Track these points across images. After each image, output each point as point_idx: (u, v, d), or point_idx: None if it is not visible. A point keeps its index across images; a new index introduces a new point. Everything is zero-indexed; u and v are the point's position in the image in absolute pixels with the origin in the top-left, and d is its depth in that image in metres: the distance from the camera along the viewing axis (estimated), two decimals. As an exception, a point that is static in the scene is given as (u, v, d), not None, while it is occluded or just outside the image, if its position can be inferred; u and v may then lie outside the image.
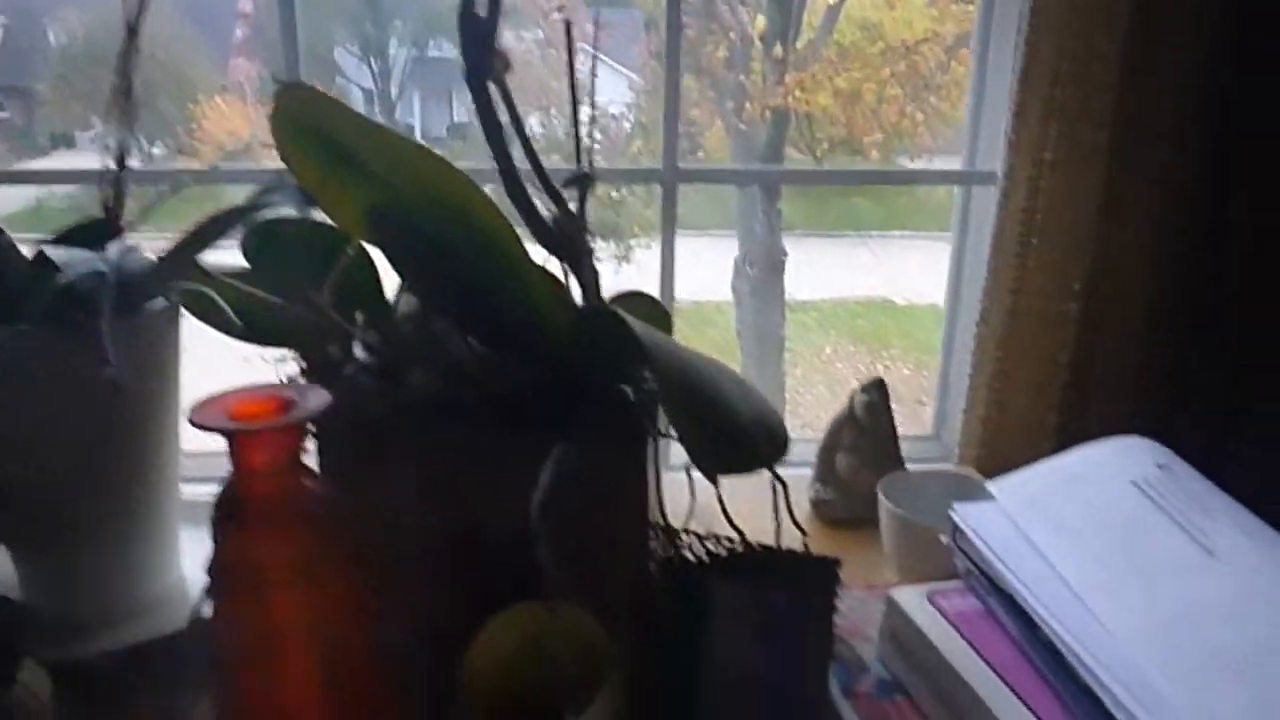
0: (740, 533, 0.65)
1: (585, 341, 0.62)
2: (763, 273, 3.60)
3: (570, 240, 0.63)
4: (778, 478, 0.65)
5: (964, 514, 0.69)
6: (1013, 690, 0.59)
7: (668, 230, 1.08)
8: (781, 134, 3.71)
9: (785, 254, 3.68)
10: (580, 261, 0.64)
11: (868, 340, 4.33)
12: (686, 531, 0.64)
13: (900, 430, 0.94)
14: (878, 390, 0.93)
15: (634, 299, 0.72)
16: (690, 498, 0.66)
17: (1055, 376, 1.01)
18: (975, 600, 0.68)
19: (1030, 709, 0.57)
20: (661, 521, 0.66)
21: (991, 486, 0.70)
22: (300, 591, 0.55)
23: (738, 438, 0.63)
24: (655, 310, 0.73)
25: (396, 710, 0.62)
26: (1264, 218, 0.97)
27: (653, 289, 1.01)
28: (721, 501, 0.67)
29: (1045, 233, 0.97)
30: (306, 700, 0.58)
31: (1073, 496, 0.67)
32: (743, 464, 0.64)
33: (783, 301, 3.67)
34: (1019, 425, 1.03)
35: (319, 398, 0.54)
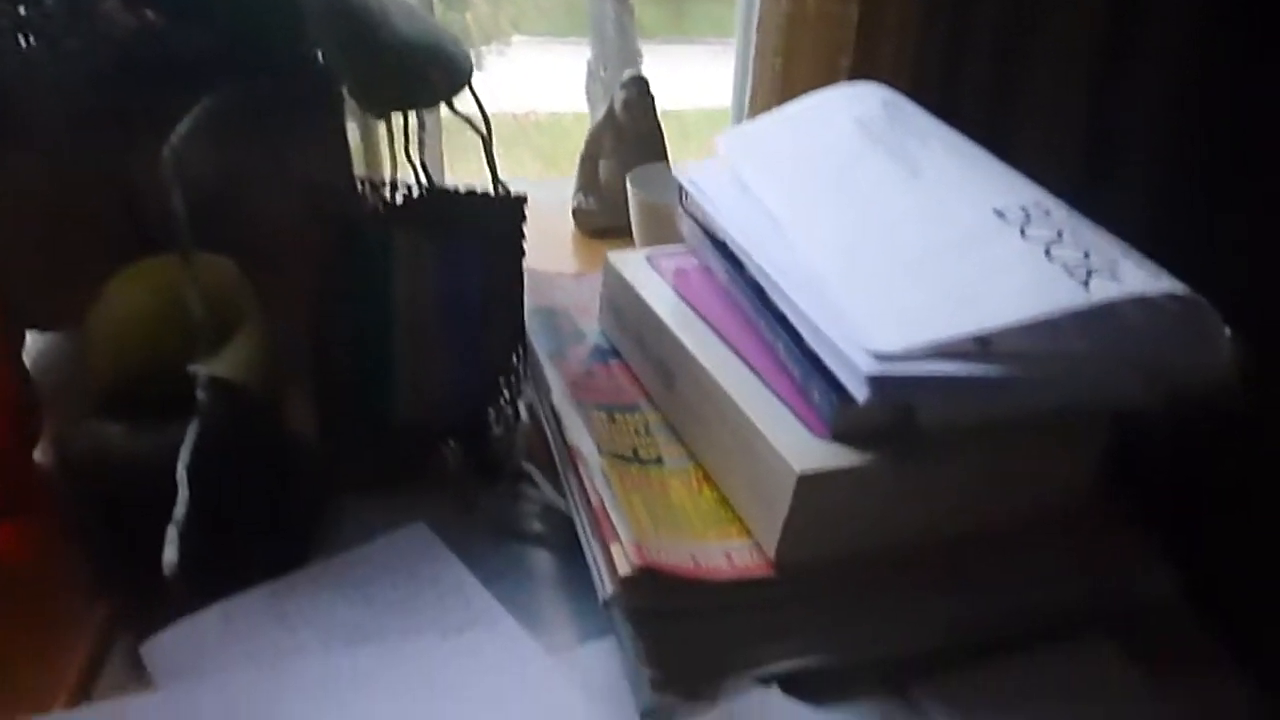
0: (427, 174, 0.58)
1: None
2: (616, 75, 3.45)
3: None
4: (482, 115, 0.59)
5: (687, 172, 0.63)
6: (721, 338, 0.55)
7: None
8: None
9: (640, 56, 3.54)
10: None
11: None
12: (370, 180, 0.57)
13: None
14: (636, 86, 0.86)
15: None
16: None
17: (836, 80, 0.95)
18: (694, 260, 0.63)
19: (738, 354, 0.53)
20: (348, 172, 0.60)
21: (717, 138, 0.64)
22: None
23: (406, 68, 0.55)
24: None
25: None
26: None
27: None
28: (406, 140, 0.60)
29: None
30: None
31: (793, 138, 0.62)
32: (414, 98, 0.56)
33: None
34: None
35: None
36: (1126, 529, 0.54)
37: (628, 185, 0.79)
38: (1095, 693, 0.48)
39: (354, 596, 0.50)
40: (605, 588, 0.47)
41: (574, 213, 0.90)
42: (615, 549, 0.47)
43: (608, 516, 0.49)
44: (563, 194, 0.93)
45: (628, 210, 0.83)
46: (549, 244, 0.88)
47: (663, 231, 0.76)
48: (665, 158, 0.85)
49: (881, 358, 0.44)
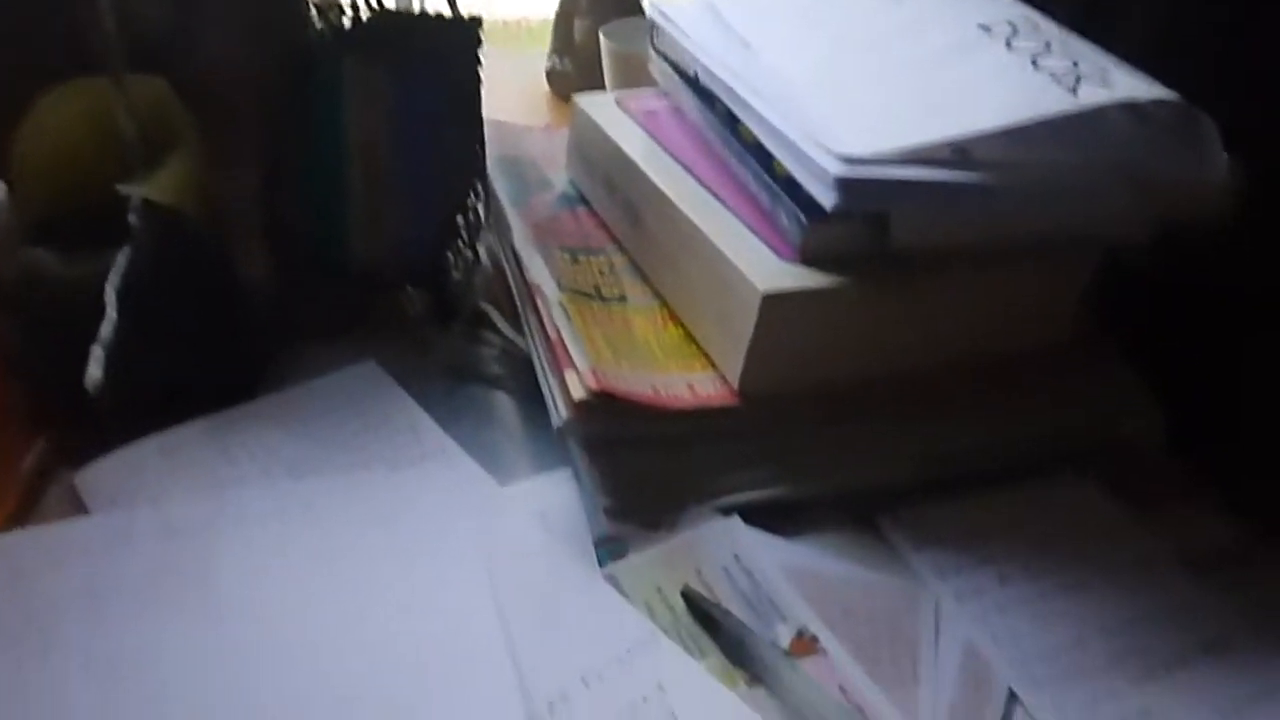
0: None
1: None
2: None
3: None
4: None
5: (658, 5, 0.60)
6: (690, 173, 0.52)
7: None
8: None
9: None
10: None
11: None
12: (319, 3, 0.53)
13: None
14: (613, -61, 0.81)
15: None
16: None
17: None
18: (665, 102, 0.60)
19: (706, 187, 0.50)
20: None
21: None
22: None
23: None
24: None
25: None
26: None
27: None
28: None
29: None
30: None
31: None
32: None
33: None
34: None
35: None
36: (1111, 367, 0.52)
37: (600, 38, 0.75)
38: (1074, 528, 0.46)
39: (300, 432, 0.48)
40: (559, 415, 0.45)
41: (548, 75, 0.86)
42: (570, 375, 0.45)
43: (564, 347, 0.46)
44: (539, 64, 0.89)
45: (602, 71, 0.79)
46: (522, 106, 0.84)
47: (635, 81, 0.72)
48: (640, 13, 0.80)
49: (851, 161, 0.41)
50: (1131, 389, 0.51)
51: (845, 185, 0.41)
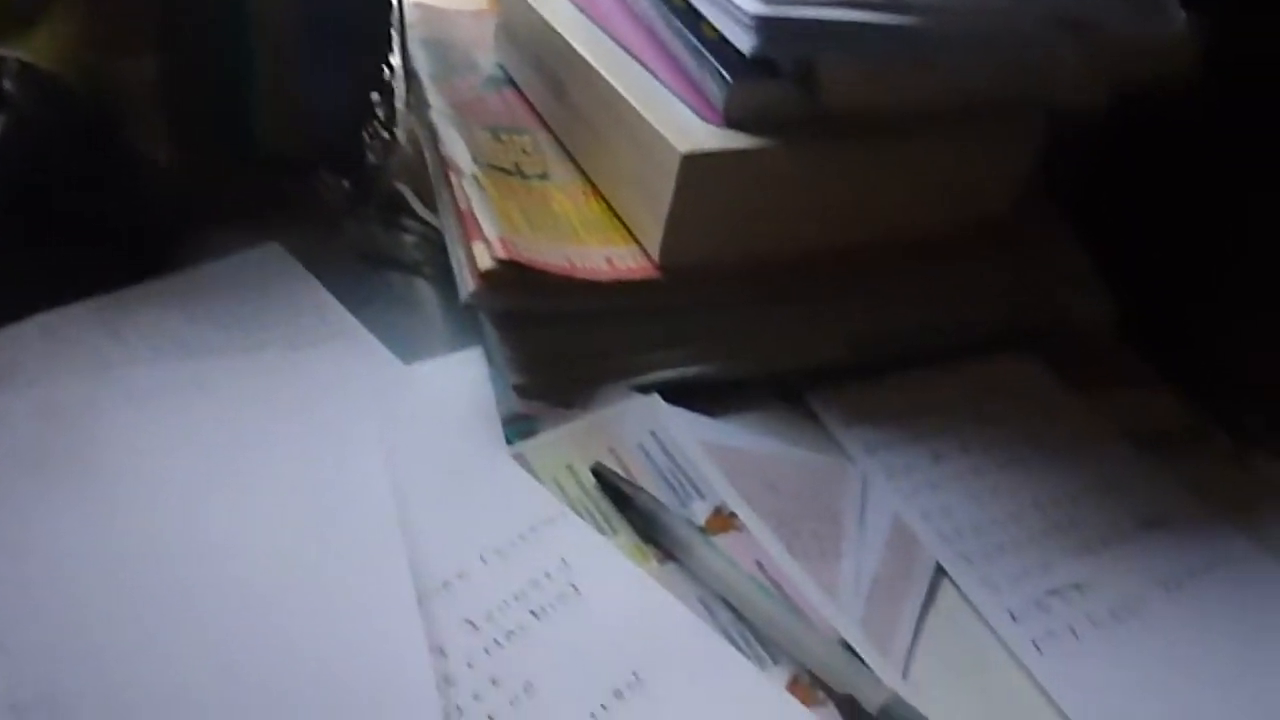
0: None
1: None
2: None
3: None
4: None
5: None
6: (617, 42, 0.48)
7: None
8: None
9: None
10: None
11: None
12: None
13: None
14: None
15: None
16: None
17: None
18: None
19: (632, 54, 0.47)
20: None
21: None
22: None
23: None
24: None
25: None
26: None
27: None
28: None
29: None
30: None
31: None
32: None
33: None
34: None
35: None
36: (1059, 247, 0.49)
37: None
38: (1014, 407, 0.44)
39: (195, 312, 0.45)
40: (466, 288, 0.42)
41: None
42: (478, 246, 0.42)
43: (474, 218, 0.43)
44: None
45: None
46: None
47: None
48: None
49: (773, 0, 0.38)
50: (1080, 271, 0.49)
51: (766, 25, 0.38)
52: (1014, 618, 0.35)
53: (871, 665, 0.33)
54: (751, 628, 0.34)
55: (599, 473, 0.38)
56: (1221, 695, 0.34)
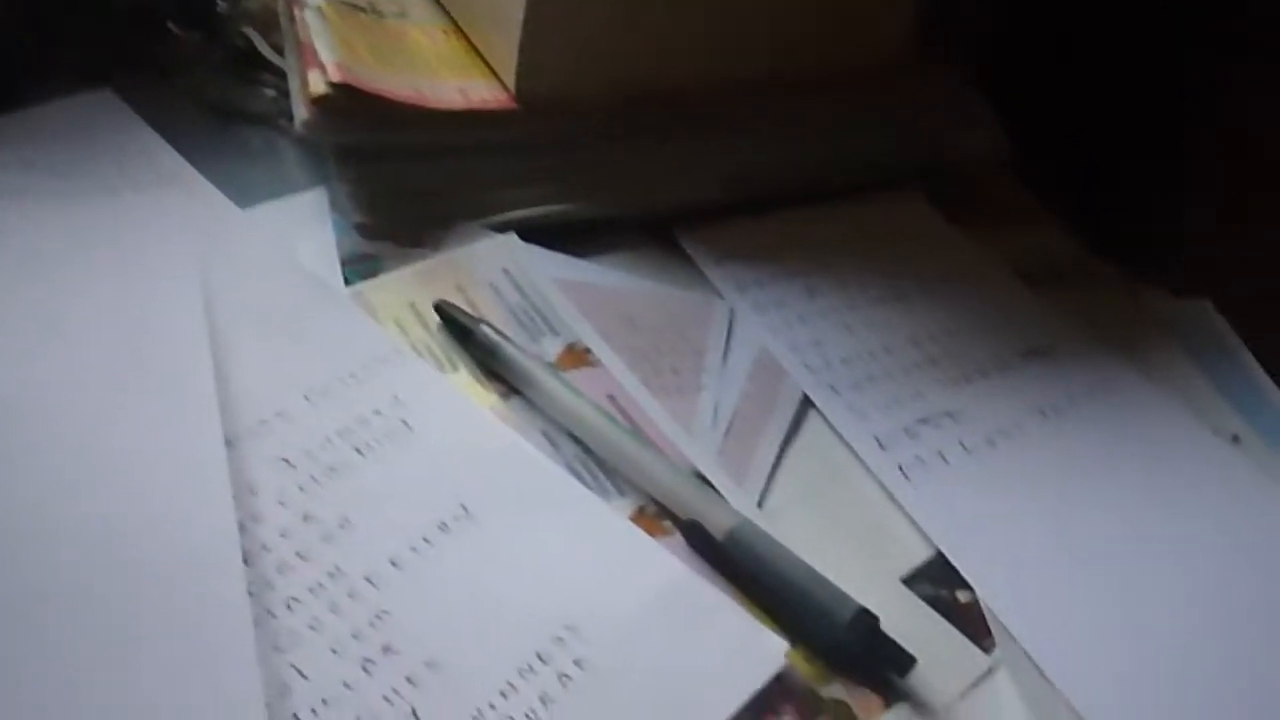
0: None
1: None
2: None
3: None
4: None
5: None
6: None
7: None
8: None
9: None
10: None
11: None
12: None
13: None
14: None
15: None
16: None
17: None
18: None
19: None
20: None
21: None
22: None
23: None
24: None
25: None
26: None
27: None
28: None
29: None
30: None
31: None
32: None
33: None
34: None
35: None
36: (950, 82, 0.46)
37: None
38: (897, 244, 0.42)
39: (9, 159, 0.41)
40: (300, 117, 0.39)
41: None
42: (313, 74, 0.38)
43: (312, 47, 0.39)
44: None
45: None
46: None
47: None
48: None
49: None
50: (970, 106, 0.46)
51: None
52: (881, 444, 0.33)
53: (725, 495, 0.31)
54: (597, 460, 0.32)
55: (440, 307, 0.35)
56: (1096, 522, 0.32)
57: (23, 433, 0.31)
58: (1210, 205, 0.43)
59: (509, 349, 0.33)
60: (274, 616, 0.27)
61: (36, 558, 0.28)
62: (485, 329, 0.34)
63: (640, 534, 0.30)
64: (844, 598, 0.27)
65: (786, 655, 0.27)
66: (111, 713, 0.24)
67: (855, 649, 0.27)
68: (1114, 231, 0.43)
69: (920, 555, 0.31)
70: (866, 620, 0.27)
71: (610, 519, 0.30)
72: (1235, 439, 0.35)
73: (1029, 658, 0.28)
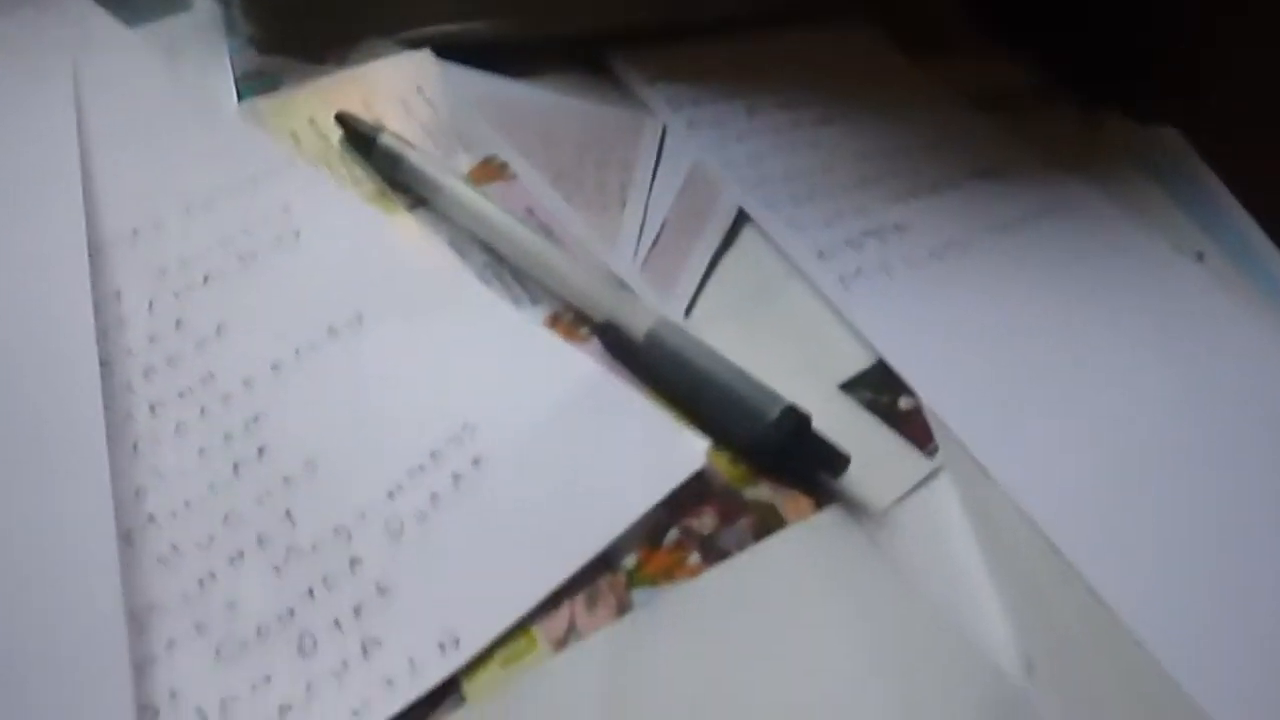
0: None
1: None
2: None
3: None
4: None
5: None
6: None
7: None
8: None
9: None
10: None
11: None
12: None
13: None
14: None
15: None
16: None
17: None
18: None
19: None
20: None
21: None
22: None
23: None
24: None
25: None
26: None
27: None
28: None
29: None
30: None
31: None
32: None
33: None
34: None
35: None
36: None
37: None
38: (844, 68, 0.39)
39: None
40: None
41: None
42: None
43: None
44: None
45: None
46: None
47: None
48: None
49: None
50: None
51: None
52: (821, 255, 0.30)
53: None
54: (510, 268, 0.29)
55: (341, 116, 0.32)
56: (1047, 331, 0.30)
57: None
58: (1179, 29, 0.40)
59: (414, 155, 0.30)
60: (134, 419, 0.24)
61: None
62: (388, 137, 0.31)
63: (551, 335, 0.27)
64: (772, 394, 0.25)
65: (708, 456, 0.24)
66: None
67: (783, 448, 0.25)
68: (1079, 61, 0.40)
69: (860, 363, 0.28)
70: (795, 417, 0.25)
71: (518, 321, 0.27)
72: (1200, 256, 0.33)
73: (974, 461, 0.26)
